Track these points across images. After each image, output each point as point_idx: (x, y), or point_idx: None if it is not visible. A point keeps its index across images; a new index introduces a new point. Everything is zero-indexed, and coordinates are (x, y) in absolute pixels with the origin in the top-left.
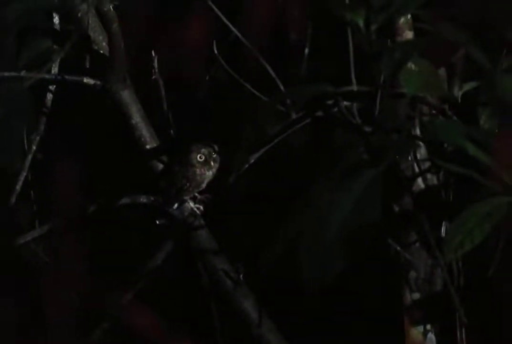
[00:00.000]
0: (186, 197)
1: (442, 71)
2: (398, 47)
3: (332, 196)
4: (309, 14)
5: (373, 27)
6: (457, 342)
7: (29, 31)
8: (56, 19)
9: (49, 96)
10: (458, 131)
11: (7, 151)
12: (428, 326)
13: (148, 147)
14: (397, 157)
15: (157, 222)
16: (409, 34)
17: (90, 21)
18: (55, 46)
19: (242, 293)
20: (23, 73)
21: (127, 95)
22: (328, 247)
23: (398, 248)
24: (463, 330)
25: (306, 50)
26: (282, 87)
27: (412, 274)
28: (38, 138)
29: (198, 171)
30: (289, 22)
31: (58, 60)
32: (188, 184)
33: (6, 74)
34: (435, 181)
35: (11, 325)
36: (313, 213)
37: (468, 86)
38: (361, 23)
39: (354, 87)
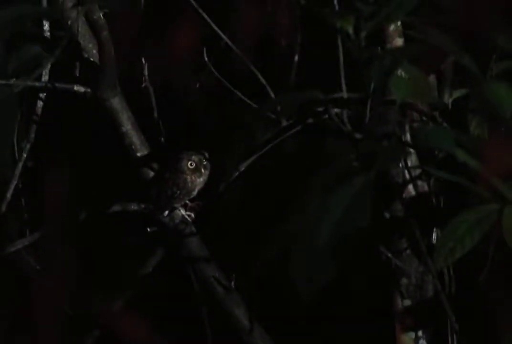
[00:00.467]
0: (177, 205)
1: (432, 78)
2: (388, 54)
3: (322, 202)
4: (299, 21)
5: (363, 34)
6: None
7: (18, 37)
8: (46, 26)
9: (40, 103)
10: (448, 137)
11: None
12: (420, 333)
13: (138, 154)
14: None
15: (148, 229)
16: (399, 41)
17: (80, 29)
18: (45, 53)
19: (233, 300)
20: (13, 80)
21: (117, 103)
22: (319, 253)
23: (389, 254)
24: (455, 337)
25: (296, 57)
26: (272, 94)
27: (403, 280)
28: (28, 146)
29: (188, 178)
30: (279, 29)
31: (49, 68)
32: (178, 191)
33: None
34: (425, 188)
35: (1, 333)
36: (303, 220)
37: (458, 93)
38: (350, 30)
39: (344, 94)
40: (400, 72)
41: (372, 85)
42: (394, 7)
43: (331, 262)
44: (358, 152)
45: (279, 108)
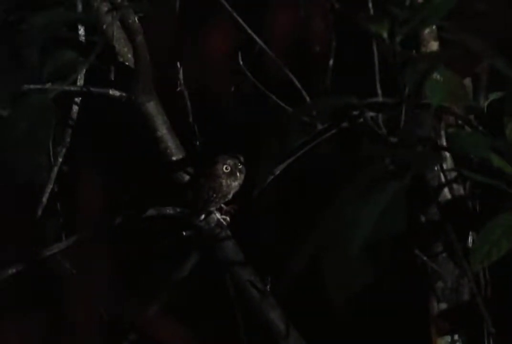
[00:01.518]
0: (212, 208)
1: (467, 82)
2: (423, 59)
3: (357, 208)
4: (333, 25)
5: (398, 39)
6: None
7: (53, 42)
8: (81, 31)
9: (75, 108)
10: (483, 142)
11: (34, 164)
12: (456, 337)
13: (174, 158)
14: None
15: (184, 233)
16: (434, 45)
17: (115, 33)
18: (80, 57)
19: (268, 304)
20: (48, 85)
21: (152, 107)
22: (353, 259)
23: (425, 258)
24: (491, 340)
25: (331, 61)
26: (307, 98)
27: (439, 284)
28: (64, 150)
29: (224, 182)
30: (314, 33)
31: (84, 72)
32: (214, 195)
33: (32, 86)
34: (461, 191)
35: (38, 338)
36: (337, 226)
37: (493, 96)
38: (385, 34)
39: (379, 99)
40: (435, 75)
41: (407, 89)
42: (429, 12)
43: (366, 267)
44: (394, 157)
45: (314, 112)
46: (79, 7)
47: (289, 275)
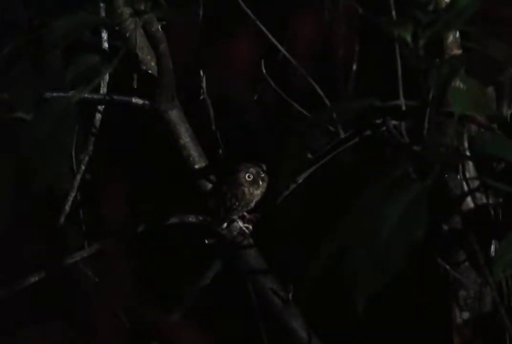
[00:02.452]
0: (235, 217)
1: (490, 90)
2: (446, 62)
3: (377, 210)
4: (356, 30)
5: (421, 43)
6: None
7: (76, 47)
8: (104, 36)
9: (98, 116)
10: (506, 145)
11: (57, 171)
12: None
13: (196, 166)
14: (446, 175)
15: (206, 241)
16: (457, 52)
17: (138, 41)
18: (103, 62)
19: (291, 312)
20: (71, 93)
21: (175, 115)
22: (374, 264)
23: (447, 267)
24: None
25: (354, 68)
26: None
27: (462, 293)
28: (87, 158)
29: (246, 190)
30: (337, 40)
31: (107, 80)
32: (237, 203)
33: (54, 94)
34: (484, 200)
35: None
36: (358, 228)
37: None
38: (408, 38)
39: (402, 103)
40: (458, 83)
41: (430, 95)
42: (453, 15)
43: (387, 271)
44: (416, 164)
45: (334, 115)
46: (102, 12)
47: (310, 278)
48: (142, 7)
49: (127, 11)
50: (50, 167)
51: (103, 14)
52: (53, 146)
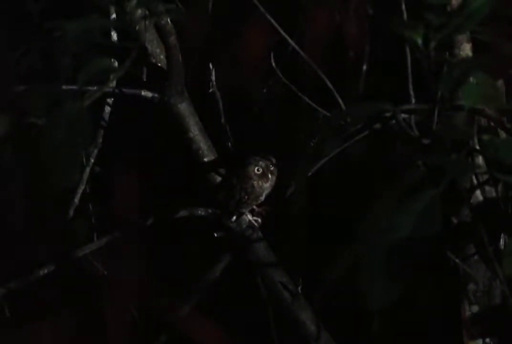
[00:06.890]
0: (244, 210)
1: (500, 84)
2: (457, 65)
3: (391, 217)
4: (367, 29)
5: (432, 45)
6: None
7: (87, 49)
8: (114, 36)
9: (107, 109)
10: None
11: (71, 176)
12: (487, 340)
13: (205, 159)
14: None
15: (215, 234)
16: (467, 46)
17: (147, 34)
18: (114, 64)
19: (300, 305)
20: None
21: (185, 108)
22: (390, 267)
23: (457, 260)
24: None
25: (364, 65)
26: (340, 100)
27: (471, 286)
28: (96, 151)
29: (256, 183)
30: (347, 37)
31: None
32: (246, 196)
33: (64, 87)
34: (493, 194)
35: (70, 339)
36: (372, 234)
37: None
38: (419, 40)
39: (413, 104)
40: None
41: (439, 93)
42: (465, 18)
43: (402, 274)
44: (427, 164)
45: (348, 119)
46: (113, 13)
47: (327, 283)
48: (159, 8)
49: (139, 11)
50: (65, 172)
51: (113, 14)
52: (67, 153)
